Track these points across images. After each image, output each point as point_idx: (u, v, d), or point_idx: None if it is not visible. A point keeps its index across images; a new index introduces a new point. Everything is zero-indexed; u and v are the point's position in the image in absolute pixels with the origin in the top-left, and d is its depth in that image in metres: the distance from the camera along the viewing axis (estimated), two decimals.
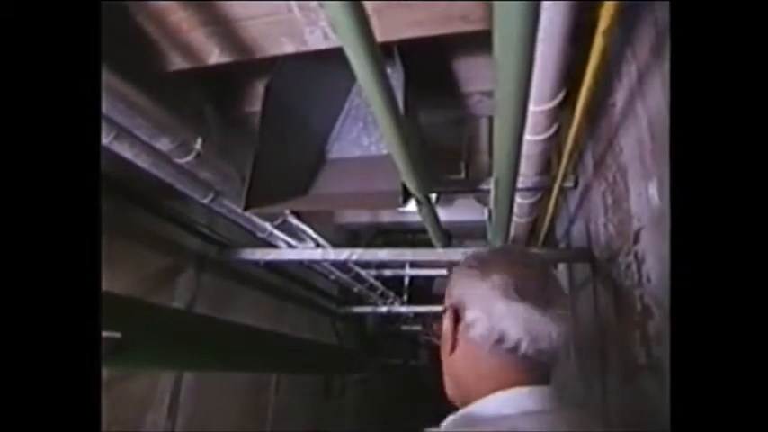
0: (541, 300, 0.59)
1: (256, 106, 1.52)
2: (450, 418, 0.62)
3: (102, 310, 1.02)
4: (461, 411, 0.61)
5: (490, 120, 1.98)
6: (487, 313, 0.60)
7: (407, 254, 1.67)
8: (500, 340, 0.58)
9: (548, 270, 0.65)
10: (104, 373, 1.34)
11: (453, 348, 0.64)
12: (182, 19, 1.15)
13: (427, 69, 1.62)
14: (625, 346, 1.24)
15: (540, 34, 0.88)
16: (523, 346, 0.58)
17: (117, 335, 0.98)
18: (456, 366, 0.64)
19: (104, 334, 0.95)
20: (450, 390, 0.67)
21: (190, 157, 1.05)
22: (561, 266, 2.07)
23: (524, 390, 0.59)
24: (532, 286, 0.60)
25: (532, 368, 0.59)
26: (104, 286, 1.12)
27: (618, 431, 1.09)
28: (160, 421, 1.63)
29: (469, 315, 0.61)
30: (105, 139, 0.94)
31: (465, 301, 0.62)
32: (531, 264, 0.64)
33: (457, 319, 0.63)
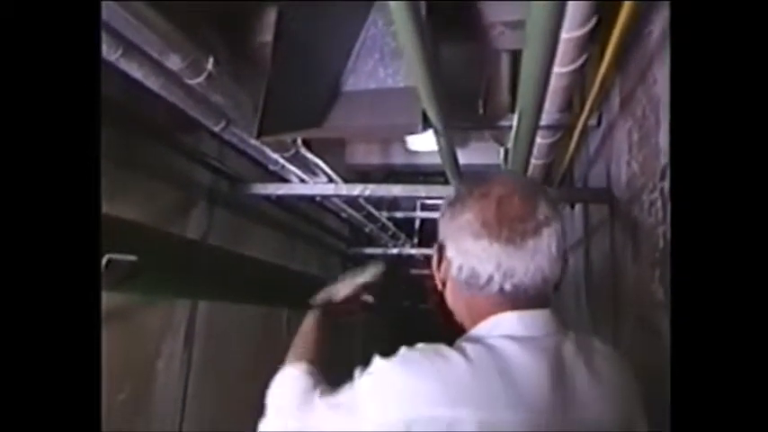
0: (517, 233, 0.57)
1: (268, 36, 1.45)
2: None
3: (118, 236, 1.02)
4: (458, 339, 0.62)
5: (512, 54, 1.88)
6: (460, 252, 0.60)
7: (420, 190, 1.64)
8: (472, 277, 0.58)
9: (533, 198, 0.61)
10: (121, 302, 1.36)
11: (444, 284, 0.65)
12: None
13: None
14: (641, 286, 1.23)
15: None
16: (497, 283, 0.57)
17: (132, 258, 0.98)
18: (450, 300, 0.66)
19: (119, 257, 0.94)
20: (458, 320, 0.68)
21: (201, 78, 1.01)
22: (577, 210, 2.03)
23: (511, 315, 0.59)
24: (507, 219, 0.58)
25: (516, 300, 0.59)
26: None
27: None
28: (177, 351, 1.67)
29: (448, 253, 0.62)
30: (112, 56, 0.90)
31: (444, 239, 0.63)
32: (510, 193, 0.60)
33: (441, 256, 0.64)
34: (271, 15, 1.49)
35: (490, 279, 0.57)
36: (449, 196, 0.67)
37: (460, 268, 0.59)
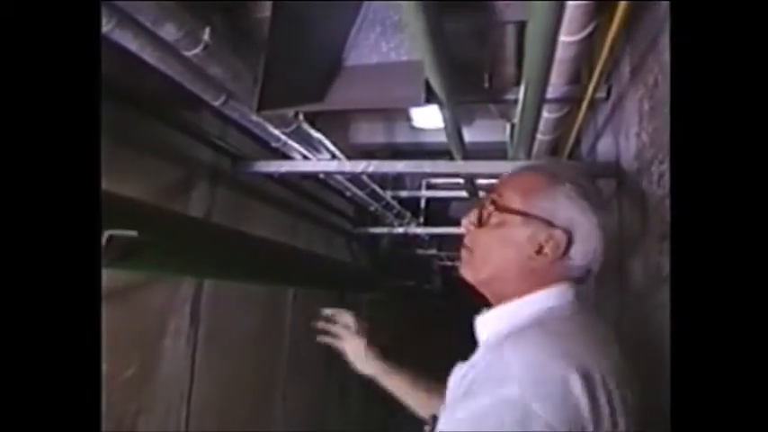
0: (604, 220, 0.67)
1: (267, 12, 1.42)
2: (493, 312, 0.68)
3: (118, 212, 1.01)
4: (503, 308, 0.67)
5: (518, 26, 1.83)
6: (591, 250, 0.65)
7: (426, 165, 1.61)
8: (582, 254, 0.65)
9: None
10: (125, 279, 1.36)
11: (510, 250, 0.66)
12: None
13: None
14: (648, 260, 1.21)
15: None
16: (595, 261, 0.66)
17: (133, 233, 0.97)
18: (501, 263, 0.67)
19: (120, 233, 0.93)
20: (480, 278, 0.70)
21: (198, 49, 0.99)
22: None
23: (573, 287, 0.65)
24: (603, 209, 0.68)
25: (580, 275, 0.67)
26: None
27: None
28: (183, 328, 1.68)
29: (574, 248, 0.64)
30: (106, 27, 0.88)
31: (573, 230, 0.64)
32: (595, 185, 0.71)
33: (549, 238, 0.64)
34: None
35: (588, 255, 0.65)
36: (562, 174, 0.68)
37: (583, 261, 0.65)
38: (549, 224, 0.64)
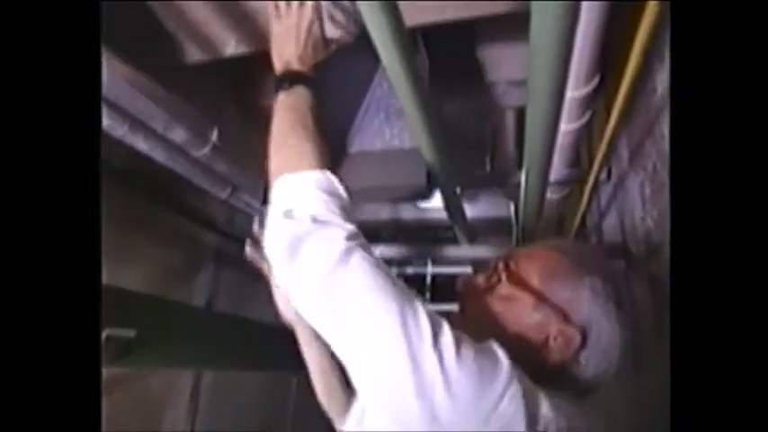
0: None
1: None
2: None
3: (116, 308, 1.00)
4: None
5: (518, 111, 1.90)
6: (605, 362, 0.57)
7: (432, 251, 1.60)
8: (594, 363, 0.57)
9: None
10: (121, 370, 1.32)
11: (510, 330, 0.57)
12: (198, 8, 1.11)
13: (451, 57, 1.55)
14: (662, 341, 1.16)
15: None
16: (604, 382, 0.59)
17: (131, 333, 0.94)
18: (495, 340, 0.56)
19: (117, 332, 0.91)
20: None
21: (206, 149, 1.02)
22: None
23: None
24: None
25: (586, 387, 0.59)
26: (120, 283, 1.10)
27: None
28: (179, 421, 1.60)
29: (586, 353, 0.56)
30: (119, 131, 0.91)
31: (589, 332, 0.56)
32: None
33: (560, 334, 0.56)
34: None
35: (601, 366, 0.57)
36: (584, 264, 0.60)
37: (581, 347, 0.55)
38: (565, 318, 0.55)
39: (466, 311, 0.63)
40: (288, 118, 0.69)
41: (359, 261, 0.52)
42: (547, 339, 0.55)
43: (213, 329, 1.39)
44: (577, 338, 0.55)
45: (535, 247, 0.66)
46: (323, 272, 0.51)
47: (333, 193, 0.60)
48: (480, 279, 0.63)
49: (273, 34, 0.84)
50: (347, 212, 0.59)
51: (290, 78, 0.74)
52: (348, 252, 0.52)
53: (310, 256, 0.53)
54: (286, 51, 0.78)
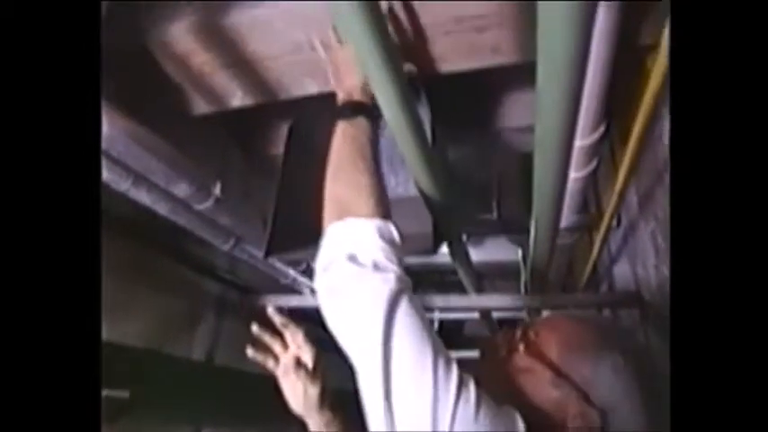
0: None
1: (281, 148, 1.48)
2: None
3: (111, 364, 0.96)
4: None
5: (524, 157, 1.89)
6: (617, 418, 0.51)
7: (438, 300, 1.57)
8: None
9: None
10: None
11: (525, 406, 0.53)
12: (204, 62, 1.13)
13: (454, 105, 1.56)
14: None
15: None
16: None
17: (125, 394, 0.90)
18: (522, 409, 0.54)
19: (111, 393, 0.87)
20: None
21: (209, 203, 1.00)
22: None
23: None
24: None
25: None
26: (121, 332, 1.06)
27: None
28: None
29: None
30: (123, 185, 0.90)
31: (610, 414, 0.51)
32: None
33: (579, 415, 0.52)
34: (283, 128, 1.53)
35: None
36: (611, 346, 0.55)
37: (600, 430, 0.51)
38: (585, 398, 0.51)
39: (486, 373, 0.58)
40: (348, 147, 0.71)
41: (407, 304, 0.54)
42: (565, 418, 0.52)
43: (214, 385, 1.34)
44: (598, 421, 0.51)
45: (555, 316, 0.64)
46: (375, 309, 0.53)
47: (392, 242, 0.62)
48: (500, 340, 0.62)
49: (335, 62, 0.86)
50: (401, 260, 0.62)
51: (352, 108, 0.75)
52: (399, 294, 0.55)
53: (366, 295, 0.56)
54: (348, 81, 0.80)
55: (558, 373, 0.54)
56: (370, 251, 0.59)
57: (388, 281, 0.56)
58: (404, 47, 0.96)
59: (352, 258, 0.59)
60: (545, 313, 1.71)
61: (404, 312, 0.53)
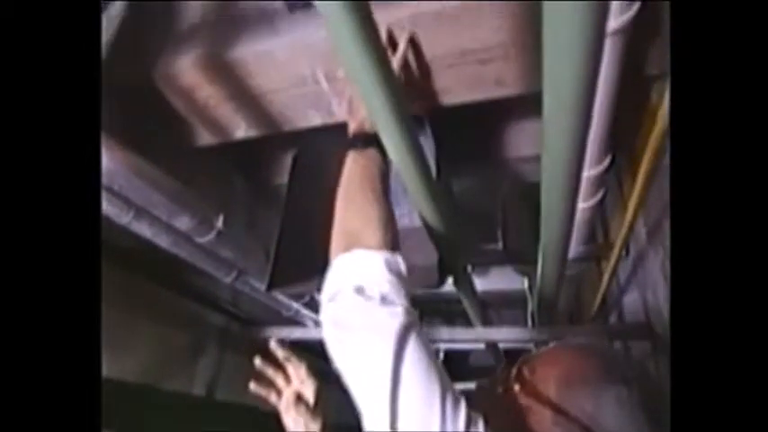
0: None
1: (285, 179, 1.48)
2: None
3: (110, 402, 0.93)
4: None
5: (528, 187, 1.88)
6: None
7: (443, 333, 1.53)
8: None
9: None
10: None
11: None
12: (209, 95, 1.13)
13: (459, 136, 1.56)
14: None
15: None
16: None
17: None
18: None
19: None
20: None
21: (211, 236, 0.99)
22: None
23: None
24: None
25: None
26: (120, 366, 1.03)
27: None
28: None
29: None
30: (124, 219, 0.89)
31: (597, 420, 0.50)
32: None
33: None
34: (287, 159, 1.53)
35: None
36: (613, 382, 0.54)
37: None
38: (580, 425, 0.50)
39: (489, 410, 0.57)
40: (358, 178, 0.71)
41: (415, 339, 0.53)
42: None
43: (215, 420, 1.30)
44: None
45: (552, 348, 0.62)
46: (383, 344, 0.52)
47: (399, 275, 0.61)
48: (497, 379, 0.61)
49: (347, 93, 0.87)
50: (408, 293, 0.61)
51: (364, 139, 0.75)
52: (407, 329, 0.54)
53: (373, 330, 0.55)
54: (360, 112, 0.80)
55: (557, 410, 0.52)
56: (378, 284, 0.58)
57: (396, 315, 0.55)
58: (407, 80, 0.96)
59: (360, 290, 0.58)
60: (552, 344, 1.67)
61: (412, 348, 0.52)
